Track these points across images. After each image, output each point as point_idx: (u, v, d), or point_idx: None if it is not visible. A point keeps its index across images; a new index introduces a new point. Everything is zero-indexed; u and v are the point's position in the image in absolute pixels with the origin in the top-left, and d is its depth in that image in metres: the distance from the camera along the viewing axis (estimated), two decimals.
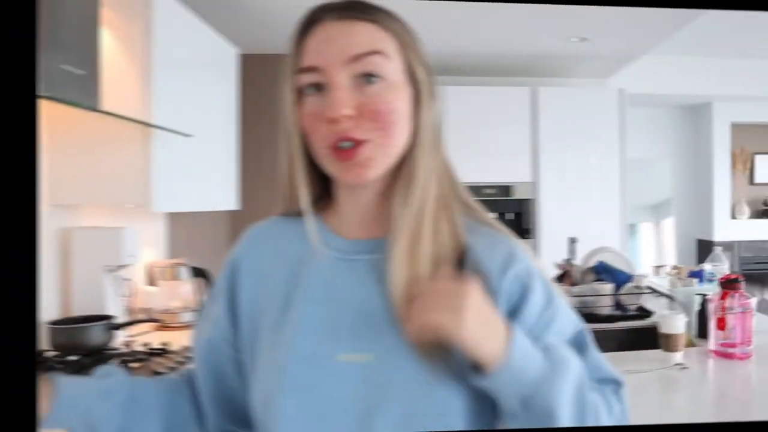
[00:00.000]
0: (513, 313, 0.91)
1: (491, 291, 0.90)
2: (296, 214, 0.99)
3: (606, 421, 0.91)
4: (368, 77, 0.87)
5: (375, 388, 0.87)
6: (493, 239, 0.95)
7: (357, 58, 0.87)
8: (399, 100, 0.90)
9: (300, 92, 0.90)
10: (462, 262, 0.92)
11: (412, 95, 0.92)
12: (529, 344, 0.85)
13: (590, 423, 0.88)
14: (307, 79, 0.88)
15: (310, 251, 0.96)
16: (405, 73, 0.91)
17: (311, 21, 0.90)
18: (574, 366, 0.88)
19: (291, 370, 0.89)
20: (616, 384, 0.97)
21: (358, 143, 0.87)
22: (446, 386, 0.87)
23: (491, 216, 1.01)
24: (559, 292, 0.98)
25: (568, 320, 0.97)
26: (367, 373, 0.88)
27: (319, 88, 0.88)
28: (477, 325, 0.81)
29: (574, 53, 4.97)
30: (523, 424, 0.85)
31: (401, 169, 0.93)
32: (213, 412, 1.01)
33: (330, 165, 0.90)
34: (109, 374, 0.99)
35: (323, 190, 0.99)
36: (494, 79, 5.71)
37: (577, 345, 0.95)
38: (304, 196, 0.94)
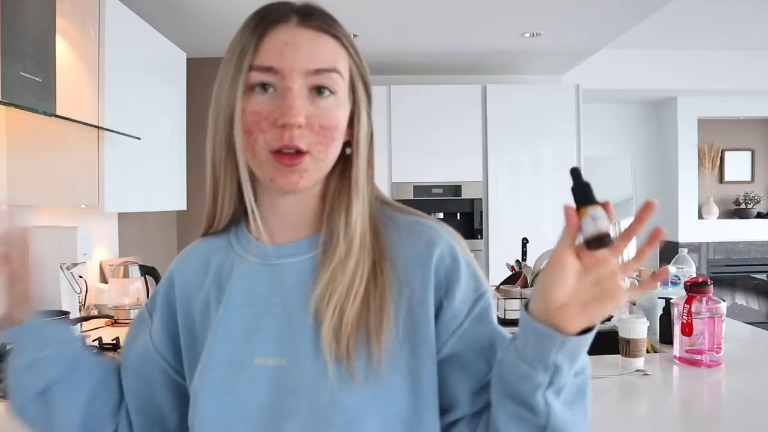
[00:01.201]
0: (441, 302, 0.97)
1: (420, 284, 0.96)
2: (218, 229, 1.08)
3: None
4: (321, 90, 0.94)
5: (286, 393, 0.93)
6: (414, 230, 1.02)
7: (318, 72, 0.93)
8: (342, 117, 0.97)
9: (248, 89, 0.94)
10: (381, 257, 0.99)
11: (350, 110, 1.00)
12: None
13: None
14: (262, 78, 0.92)
15: (235, 260, 1.04)
16: (349, 90, 0.99)
17: (272, 20, 0.94)
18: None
19: (211, 373, 0.96)
20: None
21: (299, 152, 0.93)
22: (356, 395, 0.91)
23: (414, 209, 1.08)
24: (489, 289, 1.01)
25: (496, 328, 0.99)
26: (281, 377, 0.94)
27: (266, 88, 0.93)
28: None
29: (527, 49, 5.16)
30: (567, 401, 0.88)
31: (340, 185, 1.02)
32: (136, 418, 1.07)
33: (267, 168, 0.94)
34: (71, 331, 1.11)
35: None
36: (446, 78, 5.91)
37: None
38: (249, 194, 0.99)
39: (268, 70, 0.92)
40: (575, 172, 0.83)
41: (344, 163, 1.02)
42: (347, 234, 0.98)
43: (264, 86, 0.93)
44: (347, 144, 1.01)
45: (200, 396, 0.96)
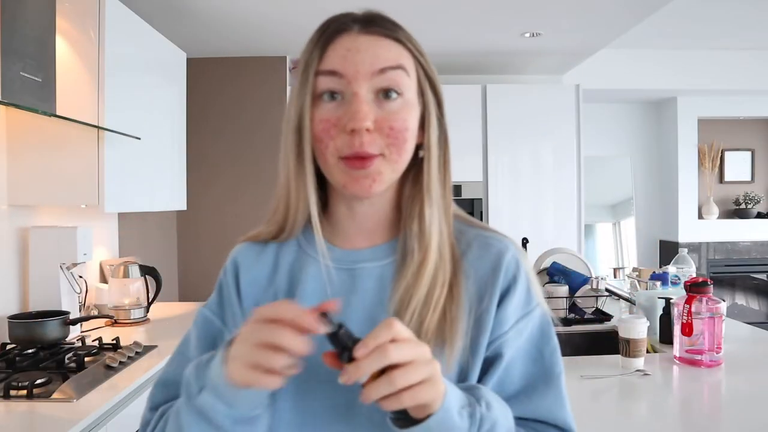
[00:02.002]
0: (497, 308, 0.99)
1: (488, 296, 0.98)
2: (291, 236, 1.06)
3: None
4: (388, 93, 0.95)
5: None
6: (484, 243, 1.03)
7: (382, 71, 0.94)
8: (412, 118, 0.97)
9: (315, 96, 0.96)
10: (456, 269, 1.00)
11: (420, 113, 1.00)
12: (457, 407, 0.85)
13: None
14: (328, 83, 0.94)
15: (307, 261, 1.04)
16: (417, 92, 1.00)
17: (334, 30, 0.97)
18: (501, 425, 0.90)
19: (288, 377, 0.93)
20: (562, 430, 1.00)
21: (371, 156, 0.94)
22: None
23: (481, 222, 1.09)
24: (543, 307, 1.04)
25: (543, 343, 1.02)
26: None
27: (334, 95, 0.95)
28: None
29: (527, 49, 5.15)
30: None
31: (413, 191, 1.02)
32: None
33: (338, 174, 0.96)
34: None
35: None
36: (446, 78, 5.86)
37: (544, 378, 1.00)
38: (313, 202, 0.99)
39: (333, 74, 0.94)
40: (334, 338, 0.82)
41: (417, 168, 1.03)
42: (422, 241, 0.99)
43: (332, 95, 0.95)
44: (419, 147, 1.02)
45: (275, 400, 0.94)
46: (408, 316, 0.94)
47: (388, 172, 0.97)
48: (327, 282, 1.01)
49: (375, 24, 0.98)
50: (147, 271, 3.34)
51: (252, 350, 0.80)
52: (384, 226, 1.05)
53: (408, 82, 0.97)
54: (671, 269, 3.29)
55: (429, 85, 1.02)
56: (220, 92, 5.14)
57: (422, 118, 1.01)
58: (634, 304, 2.91)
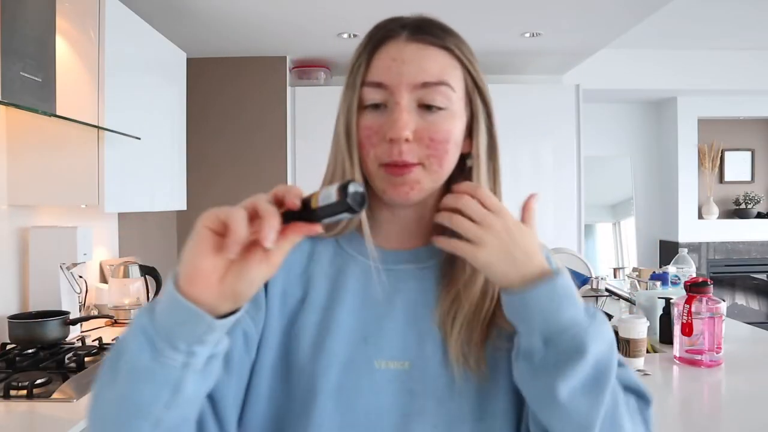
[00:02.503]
0: None
1: None
2: (340, 234, 1.04)
3: (625, 416, 0.91)
4: (430, 106, 0.95)
5: (411, 396, 0.93)
6: None
7: (425, 85, 0.94)
8: (455, 129, 0.97)
9: (360, 104, 0.97)
10: None
11: (467, 121, 1.00)
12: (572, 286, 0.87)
13: (609, 407, 0.88)
14: (372, 94, 0.95)
15: (347, 260, 1.03)
16: (464, 101, 0.99)
17: (382, 37, 0.98)
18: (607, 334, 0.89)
19: (329, 376, 0.93)
20: (641, 397, 1.00)
21: (409, 165, 0.94)
22: (484, 394, 0.94)
23: None
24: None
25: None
26: (404, 381, 0.94)
27: (379, 104, 0.96)
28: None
29: (527, 49, 5.14)
30: (537, 369, 0.86)
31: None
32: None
33: (379, 180, 0.97)
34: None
35: None
36: None
37: None
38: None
39: (378, 85, 0.95)
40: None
41: (466, 176, 1.02)
42: None
43: (376, 103, 0.96)
44: (468, 155, 1.02)
45: (316, 398, 0.93)
46: (457, 328, 0.95)
47: (426, 182, 0.97)
48: (376, 281, 1.00)
49: (423, 31, 0.98)
50: (147, 271, 3.35)
51: (202, 230, 0.75)
52: (427, 229, 1.04)
53: (452, 95, 0.96)
54: (671, 269, 3.30)
55: (477, 93, 1.01)
56: (220, 92, 5.14)
57: (470, 126, 1.01)
58: (634, 304, 2.91)
